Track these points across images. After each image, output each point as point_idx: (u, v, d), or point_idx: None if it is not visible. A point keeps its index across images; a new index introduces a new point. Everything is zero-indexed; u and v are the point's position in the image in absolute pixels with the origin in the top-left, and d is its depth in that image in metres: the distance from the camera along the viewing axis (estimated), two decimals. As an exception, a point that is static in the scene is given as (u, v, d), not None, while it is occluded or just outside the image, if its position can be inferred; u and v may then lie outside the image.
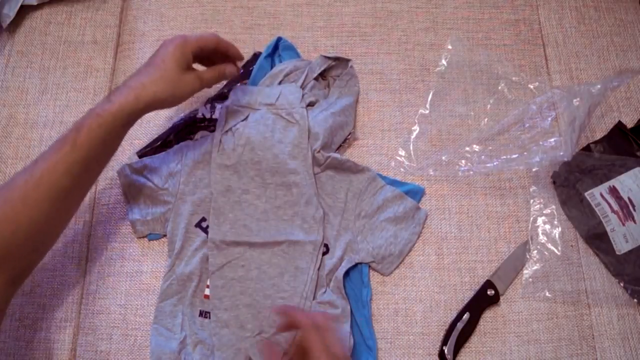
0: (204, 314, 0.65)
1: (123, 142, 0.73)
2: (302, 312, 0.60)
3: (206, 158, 0.70)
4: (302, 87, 0.73)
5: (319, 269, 0.66)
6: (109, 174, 0.72)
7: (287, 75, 0.74)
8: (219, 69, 0.66)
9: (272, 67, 0.77)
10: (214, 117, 0.72)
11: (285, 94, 0.71)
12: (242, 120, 0.71)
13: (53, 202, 0.53)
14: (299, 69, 0.75)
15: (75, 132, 0.54)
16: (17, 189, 0.52)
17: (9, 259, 0.51)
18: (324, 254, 0.67)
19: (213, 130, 0.71)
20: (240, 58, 0.69)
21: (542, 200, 0.71)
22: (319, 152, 0.69)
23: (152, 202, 0.69)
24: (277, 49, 0.78)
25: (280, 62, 0.77)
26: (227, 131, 0.70)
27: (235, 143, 0.69)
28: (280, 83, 0.74)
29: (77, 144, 0.53)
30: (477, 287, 0.67)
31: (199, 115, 0.73)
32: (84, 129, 0.54)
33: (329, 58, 0.75)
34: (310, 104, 0.73)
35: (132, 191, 0.70)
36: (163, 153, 0.71)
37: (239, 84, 0.75)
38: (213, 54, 0.66)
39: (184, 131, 0.73)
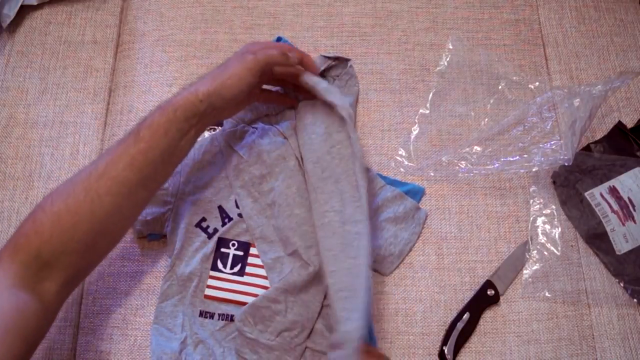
0: (204, 314, 0.65)
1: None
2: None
3: (206, 158, 0.70)
4: None
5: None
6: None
7: None
8: (278, 96, 0.70)
9: (272, 67, 0.77)
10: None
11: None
12: (251, 135, 0.70)
13: (115, 197, 0.52)
14: None
15: (139, 124, 0.55)
16: (81, 181, 0.52)
17: (68, 255, 0.50)
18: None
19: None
20: (313, 70, 0.67)
21: (542, 200, 0.71)
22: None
23: (152, 202, 0.69)
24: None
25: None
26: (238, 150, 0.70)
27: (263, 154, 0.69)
28: None
29: (140, 135, 0.54)
30: (477, 287, 0.67)
31: None
32: (147, 120, 0.55)
33: (328, 58, 0.75)
34: None
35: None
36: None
37: None
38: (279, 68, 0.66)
39: None
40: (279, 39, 0.78)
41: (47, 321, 0.50)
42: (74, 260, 0.51)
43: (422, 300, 0.67)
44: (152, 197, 0.59)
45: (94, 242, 0.53)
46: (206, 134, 0.73)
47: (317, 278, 0.63)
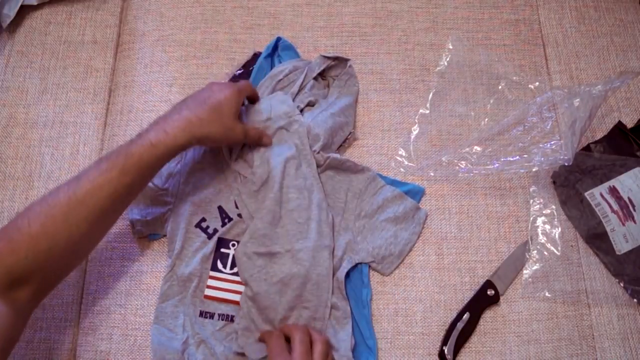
0: (205, 314, 0.65)
1: (123, 142, 0.74)
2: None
3: (206, 158, 0.70)
4: (302, 87, 0.73)
5: (333, 275, 0.65)
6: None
7: (286, 75, 0.74)
8: (260, 132, 0.68)
9: (271, 68, 0.77)
10: None
11: (276, 106, 0.71)
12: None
13: (92, 223, 0.54)
14: (298, 69, 0.75)
15: (124, 158, 0.55)
16: (59, 205, 0.52)
17: (40, 272, 0.52)
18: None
19: None
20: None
21: (542, 200, 0.71)
22: (318, 153, 0.69)
23: (152, 202, 0.69)
24: (277, 49, 0.78)
25: (280, 62, 0.77)
26: (236, 159, 0.70)
27: (254, 166, 0.68)
28: (279, 82, 0.74)
29: (125, 169, 0.55)
30: (477, 287, 0.67)
31: None
32: (134, 156, 0.55)
33: (328, 58, 0.75)
34: (310, 104, 0.73)
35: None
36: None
37: None
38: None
39: None
40: (278, 40, 0.78)
41: (19, 326, 0.52)
42: (47, 276, 0.53)
43: (422, 300, 0.67)
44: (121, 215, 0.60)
45: (67, 262, 0.55)
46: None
47: (308, 276, 0.64)
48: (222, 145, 0.69)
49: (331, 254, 0.65)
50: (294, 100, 0.73)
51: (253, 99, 0.71)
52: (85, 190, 0.53)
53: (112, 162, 0.55)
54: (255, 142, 0.68)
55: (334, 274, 0.65)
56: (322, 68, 0.74)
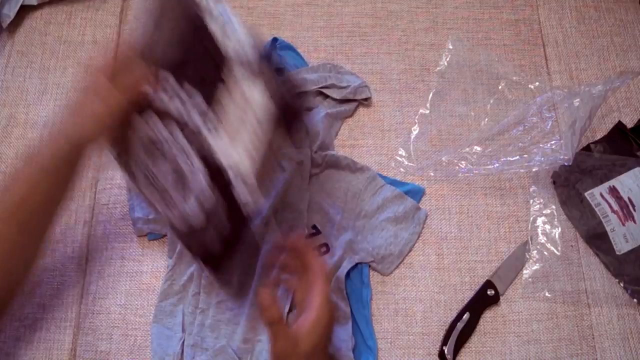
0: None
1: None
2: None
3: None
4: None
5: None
6: (109, 173, 0.72)
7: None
8: (129, 88, 0.54)
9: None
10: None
11: None
12: None
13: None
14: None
15: (10, 179, 0.53)
16: None
17: None
18: (325, 253, 0.67)
19: None
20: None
21: (542, 200, 0.71)
22: (316, 152, 0.69)
23: (152, 202, 0.69)
24: (274, 50, 0.78)
25: (281, 62, 0.77)
26: None
27: None
28: None
29: (9, 189, 0.52)
30: (477, 287, 0.67)
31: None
32: (18, 175, 0.53)
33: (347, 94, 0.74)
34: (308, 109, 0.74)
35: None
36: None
37: None
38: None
39: None
40: (274, 40, 0.78)
41: None
42: None
43: (422, 300, 0.67)
44: (43, 245, 0.55)
45: None
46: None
47: None
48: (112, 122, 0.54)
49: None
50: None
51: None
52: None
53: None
54: (130, 102, 0.54)
55: (333, 272, 0.65)
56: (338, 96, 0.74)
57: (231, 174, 0.49)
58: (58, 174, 0.53)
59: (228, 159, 0.49)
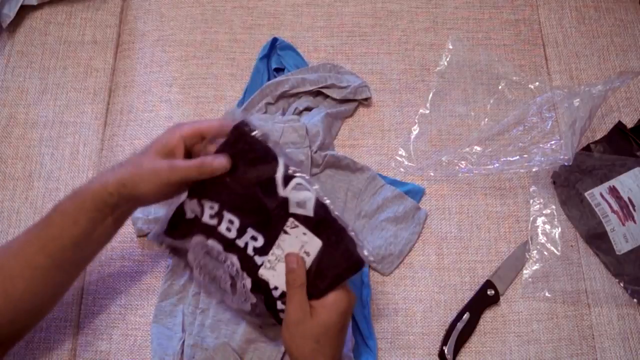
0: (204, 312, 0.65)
1: (123, 142, 0.74)
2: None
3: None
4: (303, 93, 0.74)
5: None
6: (109, 174, 0.73)
7: (293, 86, 0.74)
8: (202, 159, 0.51)
9: (268, 69, 0.77)
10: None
11: (287, 133, 0.69)
12: None
13: (28, 280, 0.50)
14: (307, 82, 0.74)
15: (52, 209, 0.51)
16: None
17: None
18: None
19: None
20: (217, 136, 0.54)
21: (542, 200, 0.71)
22: (316, 152, 0.69)
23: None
24: (274, 50, 0.78)
25: (281, 62, 0.77)
26: None
27: None
28: (284, 92, 0.73)
29: (50, 221, 0.51)
30: (477, 287, 0.67)
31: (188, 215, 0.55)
32: (59, 207, 0.51)
33: (344, 89, 0.74)
34: (307, 109, 0.73)
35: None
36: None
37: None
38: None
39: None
40: (274, 40, 0.78)
41: None
42: None
43: (422, 300, 0.67)
44: (76, 278, 0.55)
45: (12, 319, 0.52)
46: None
47: None
48: (154, 193, 0.51)
49: None
50: (291, 104, 0.73)
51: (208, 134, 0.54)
52: (18, 243, 0.50)
53: (44, 215, 0.52)
54: (194, 171, 0.51)
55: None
56: (338, 96, 0.74)
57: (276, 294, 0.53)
58: (97, 217, 0.51)
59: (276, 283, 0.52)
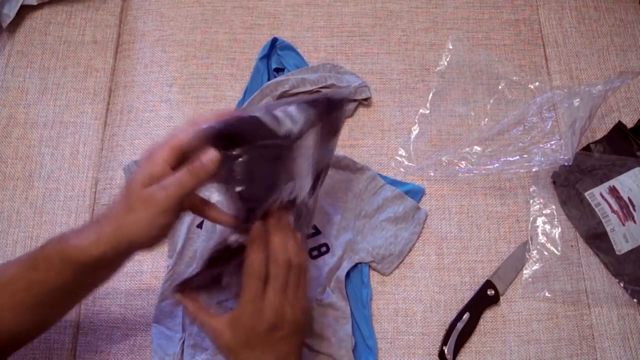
0: (204, 314, 0.65)
1: (123, 142, 0.74)
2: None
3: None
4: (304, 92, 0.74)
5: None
6: (109, 173, 0.73)
7: (293, 87, 0.74)
8: (189, 165, 0.46)
9: (268, 69, 0.77)
10: None
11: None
12: None
13: (15, 314, 0.48)
14: (307, 82, 0.74)
15: (39, 249, 0.48)
16: None
17: None
18: (325, 253, 0.67)
19: None
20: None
21: (542, 200, 0.71)
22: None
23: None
24: (274, 50, 0.78)
25: (281, 62, 0.77)
26: None
27: None
28: (284, 93, 0.74)
29: (35, 263, 0.48)
30: (477, 287, 0.67)
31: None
32: (45, 250, 0.48)
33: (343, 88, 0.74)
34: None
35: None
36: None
37: None
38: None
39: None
40: (274, 40, 0.78)
41: None
42: None
43: (422, 300, 0.67)
44: (64, 315, 0.53)
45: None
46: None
47: None
48: (155, 229, 0.47)
49: None
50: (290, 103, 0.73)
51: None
52: (9, 274, 0.48)
53: (31, 253, 0.48)
54: (188, 184, 0.46)
55: (333, 272, 0.65)
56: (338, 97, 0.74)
57: None
58: (86, 271, 0.48)
59: None
